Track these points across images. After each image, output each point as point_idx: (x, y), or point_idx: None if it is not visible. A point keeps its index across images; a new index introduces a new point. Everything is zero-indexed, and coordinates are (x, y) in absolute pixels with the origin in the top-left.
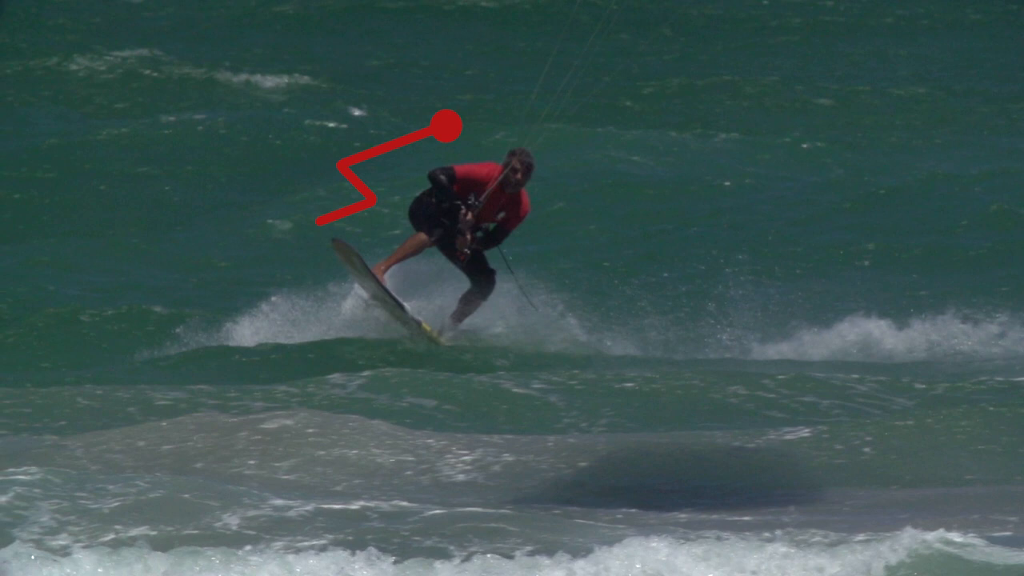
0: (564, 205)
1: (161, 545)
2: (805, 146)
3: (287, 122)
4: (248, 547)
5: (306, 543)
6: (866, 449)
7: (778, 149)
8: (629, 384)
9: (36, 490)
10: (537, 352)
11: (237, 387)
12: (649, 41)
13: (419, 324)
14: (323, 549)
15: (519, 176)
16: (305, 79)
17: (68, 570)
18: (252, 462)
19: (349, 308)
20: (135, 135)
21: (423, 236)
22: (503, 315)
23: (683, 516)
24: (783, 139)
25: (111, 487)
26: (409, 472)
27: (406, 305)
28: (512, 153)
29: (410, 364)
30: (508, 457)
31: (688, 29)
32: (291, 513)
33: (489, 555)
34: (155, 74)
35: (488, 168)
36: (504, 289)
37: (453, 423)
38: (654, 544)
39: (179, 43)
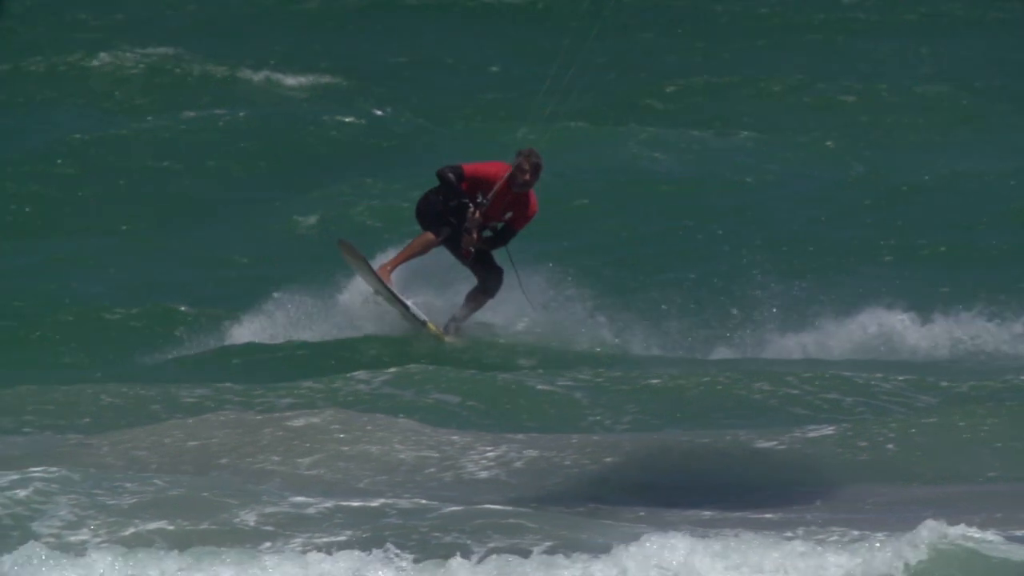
0: (587, 202)
1: (178, 543)
2: (828, 144)
3: (308, 119)
4: (267, 544)
5: (324, 540)
6: (889, 446)
7: (800, 147)
8: (654, 381)
9: (54, 485)
10: (562, 350)
11: (262, 384)
12: (672, 39)
13: (424, 323)
14: (341, 546)
15: (527, 176)
16: (327, 77)
17: (81, 570)
18: (276, 459)
19: (362, 305)
20: (156, 131)
21: (430, 235)
22: (527, 313)
23: (706, 514)
24: (805, 137)
25: (129, 485)
26: (432, 469)
27: (411, 304)
28: (520, 153)
29: (435, 361)
30: (531, 454)
31: (710, 27)
32: (310, 510)
33: (507, 554)
34: (177, 70)
35: (496, 167)
36: (521, 286)
37: (477, 420)
38: (672, 542)
39: (201, 40)
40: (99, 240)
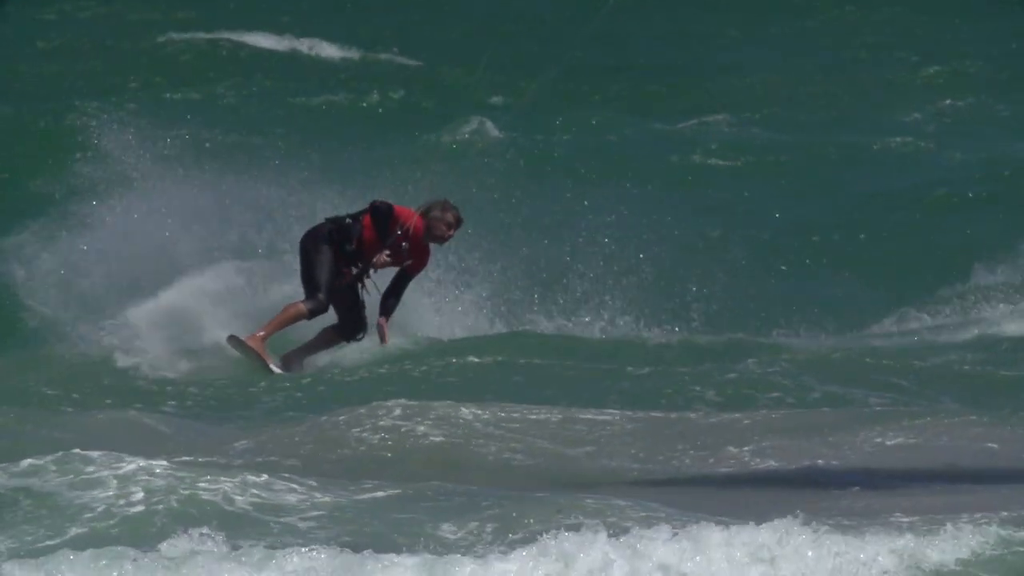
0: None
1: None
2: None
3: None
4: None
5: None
6: None
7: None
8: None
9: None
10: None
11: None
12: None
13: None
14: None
15: (451, 232)
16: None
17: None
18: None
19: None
20: None
21: (301, 307)
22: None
23: (926, 497)
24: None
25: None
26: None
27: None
28: (440, 206)
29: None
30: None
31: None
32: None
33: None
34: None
35: (410, 213)
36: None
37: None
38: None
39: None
40: None
